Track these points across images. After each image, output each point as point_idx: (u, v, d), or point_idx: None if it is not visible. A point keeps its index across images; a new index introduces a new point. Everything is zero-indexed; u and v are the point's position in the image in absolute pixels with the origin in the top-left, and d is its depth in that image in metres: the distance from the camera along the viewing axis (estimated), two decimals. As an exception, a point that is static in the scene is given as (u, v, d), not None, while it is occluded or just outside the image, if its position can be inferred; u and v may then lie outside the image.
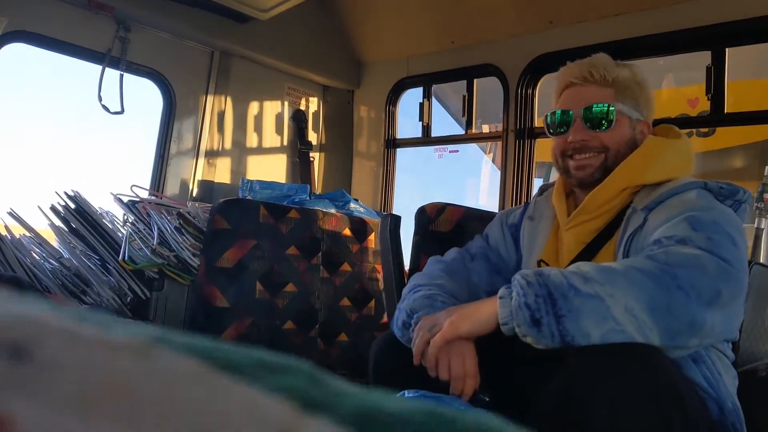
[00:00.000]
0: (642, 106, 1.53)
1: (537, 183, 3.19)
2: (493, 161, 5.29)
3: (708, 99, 2.33)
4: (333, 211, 2.77)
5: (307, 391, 0.23)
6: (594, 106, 1.48)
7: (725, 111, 2.33)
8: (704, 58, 2.35)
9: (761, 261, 2.50)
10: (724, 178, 1.52)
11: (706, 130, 3.72)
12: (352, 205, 2.93)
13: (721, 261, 1.16)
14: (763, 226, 3.19)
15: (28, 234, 2.39)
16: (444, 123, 3.77)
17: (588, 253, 1.47)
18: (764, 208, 3.21)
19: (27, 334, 0.20)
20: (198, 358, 0.23)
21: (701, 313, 1.11)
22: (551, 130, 1.56)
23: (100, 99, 2.61)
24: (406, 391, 1.14)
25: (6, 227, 2.34)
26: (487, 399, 1.25)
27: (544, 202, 1.67)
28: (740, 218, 1.41)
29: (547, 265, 1.55)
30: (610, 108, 1.48)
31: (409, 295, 1.48)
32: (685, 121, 2.93)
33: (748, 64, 3.59)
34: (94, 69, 2.60)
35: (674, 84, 3.86)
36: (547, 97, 2.81)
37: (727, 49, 2.29)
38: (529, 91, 2.81)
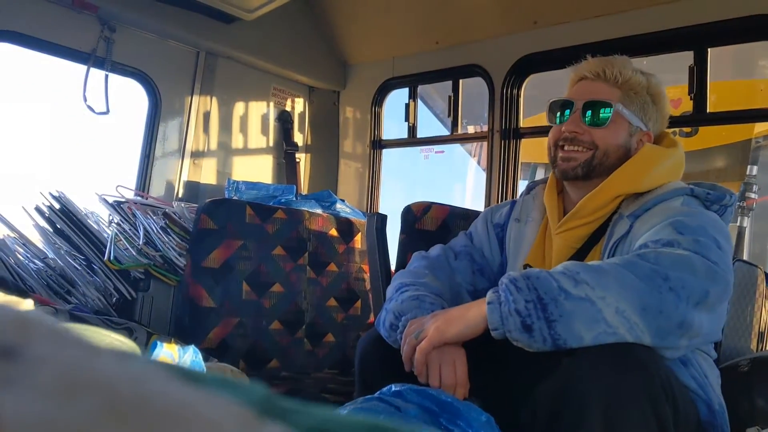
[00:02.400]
0: (649, 117, 1.53)
1: (522, 184, 3.20)
2: (479, 163, 5.30)
3: (690, 99, 2.36)
4: (319, 211, 2.77)
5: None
6: (594, 100, 1.48)
7: (707, 111, 2.36)
8: (687, 58, 2.38)
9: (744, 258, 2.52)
10: (706, 178, 1.54)
11: (688, 130, 3.76)
12: (339, 205, 2.93)
13: (708, 262, 1.17)
14: (745, 225, 3.23)
15: (12, 234, 2.37)
16: (430, 126, 3.78)
17: (576, 258, 1.47)
18: (746, 207, 3.25)
19: (16, 335, 0.21)
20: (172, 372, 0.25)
21: (690, 314, 1.12)
22: (553, 115, 1.57)
23: (85, 99, 2.60)
24: (393, 385, 1.14)
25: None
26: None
27: (532, 201, 1.66)
28: (726, 220, 1.44)
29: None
30: (609, 106, 1.47)
31: (396, 296, 1.45)
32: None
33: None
34: (78, 69, 2.58)
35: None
36: (532, 97, 2.83)
37: (709, 49, 2.32)
38: (515, 92, 2.82)
